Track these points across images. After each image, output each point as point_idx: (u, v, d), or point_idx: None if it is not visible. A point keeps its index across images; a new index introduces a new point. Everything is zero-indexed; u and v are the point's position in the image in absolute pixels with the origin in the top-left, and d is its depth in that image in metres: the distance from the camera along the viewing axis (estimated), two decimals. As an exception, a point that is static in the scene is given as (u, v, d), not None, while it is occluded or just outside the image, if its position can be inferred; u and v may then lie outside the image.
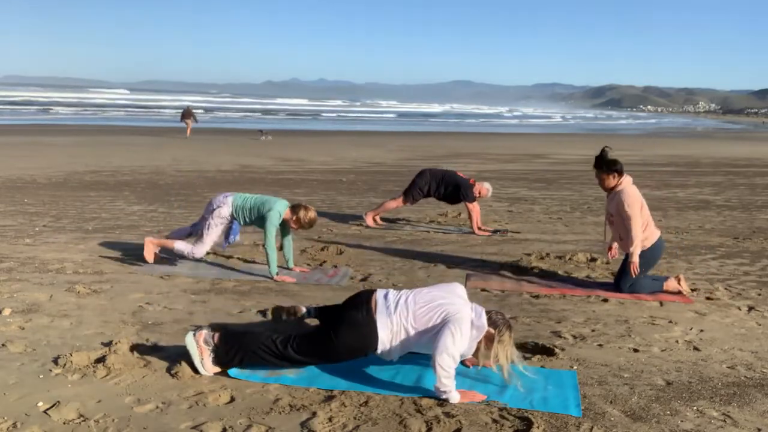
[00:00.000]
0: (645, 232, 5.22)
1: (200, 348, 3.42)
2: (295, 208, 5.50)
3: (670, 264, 6.26)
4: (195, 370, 3.39)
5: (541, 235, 7.71)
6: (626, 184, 5.26)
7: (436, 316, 3.31)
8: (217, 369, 3.42)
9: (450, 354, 3.18)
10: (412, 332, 3.33)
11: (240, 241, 6.31)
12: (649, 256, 5.25)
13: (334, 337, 3.35)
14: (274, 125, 40.55)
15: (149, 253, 5.58)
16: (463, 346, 3.28)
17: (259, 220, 5.48)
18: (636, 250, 5.12)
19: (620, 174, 5.27)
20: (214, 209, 5.53)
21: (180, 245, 5.57)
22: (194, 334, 3.46)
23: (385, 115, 70.84)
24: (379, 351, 3.37)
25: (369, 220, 8.01)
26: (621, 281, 5.23)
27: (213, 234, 5.55)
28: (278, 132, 33.14)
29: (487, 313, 3.40)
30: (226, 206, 5.53)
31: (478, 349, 3.39)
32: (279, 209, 5.45)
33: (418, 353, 3.74)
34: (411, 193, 7.98)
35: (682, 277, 5.30)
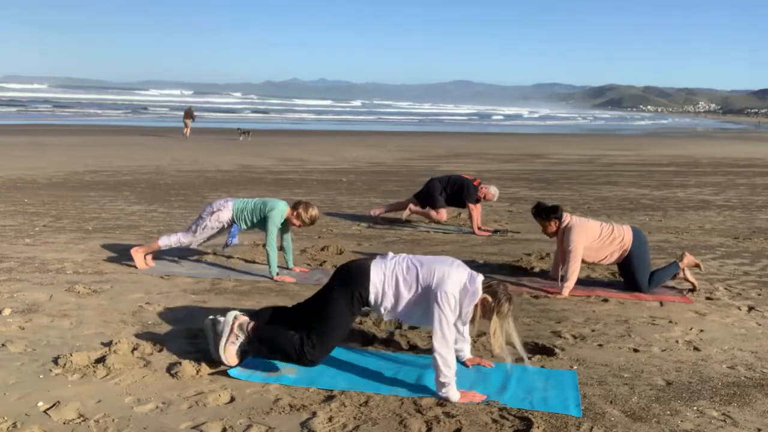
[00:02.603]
0: (611, 246, 5.25)
1: (233, 332, 3.46)
2: (295, 206, 5.48)
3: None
4: (215, 351, 3.45)
5: (541, 235, 7.67)
6: (573, 223, 5.32)
7: (425, 273, 3.34)
8: (235, 360, 3.46)
9: (445, 337, 3.18)
10: (401, 283, 3.37)
11: (240, 241, 6.29)
12: (636, 251, 5.24)
13: (331, 286, 3.46)
14: (308, 126, 40.55)
15: (140, 263, 5.54)
16: (455, 315, 3.27)
17: (261, 222, 5.45)
18: (570, 285, 5.14)
19: (559, 219, 5.38)
20: (213, 211, 5.48)
21: (164, 240, 5.52)
22: (235, 316, 3.51)
23: (456, 117, 70.88)
24: (371, 295, 3.39)
25: (376, 212, 8.20)
26: (640, 285, 5.21)
27: (205, 232, 5.49)
28: (278, 132, 33.16)
29: (488, 282, 3.35)
30: (226, 210, 5.47)
31: (474, 316, 3.34)
32: (281, 209, 5.44)
33: (419, 353, 3.74)
34: (433, 200, 8.01)
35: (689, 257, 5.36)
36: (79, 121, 37.12)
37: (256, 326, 3.52)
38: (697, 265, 5.32)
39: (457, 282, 3.28)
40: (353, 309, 3.44)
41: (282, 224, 5.53)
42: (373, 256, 3.58)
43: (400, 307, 3.40)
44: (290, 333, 3.47)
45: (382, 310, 3.44)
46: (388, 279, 3.39)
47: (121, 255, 6.02)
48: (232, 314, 3.52)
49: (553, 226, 5.42)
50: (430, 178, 8.33)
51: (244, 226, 5.51)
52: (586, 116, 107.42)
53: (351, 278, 3.44)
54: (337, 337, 3.43)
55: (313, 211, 5.48)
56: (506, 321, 3.30)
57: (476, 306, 3.30)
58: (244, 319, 3.53)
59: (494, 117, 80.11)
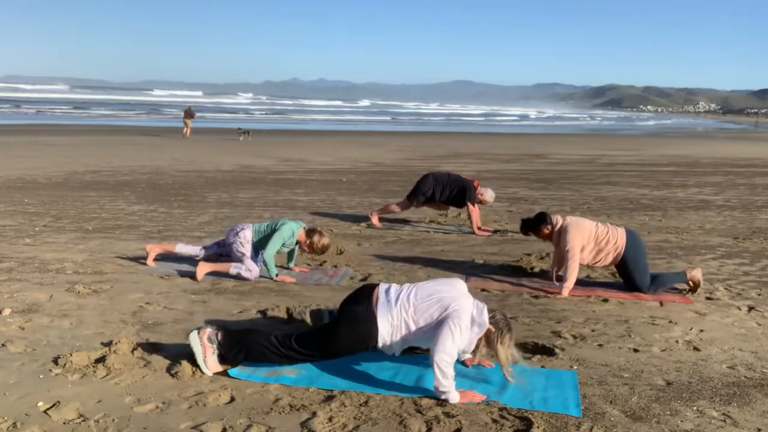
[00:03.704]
0: (606, 247, 5.24)
1: (204, 346, 3.44)
2: (310, 232, 5.52)
3: (670, 264, 6.26)
4: (198, 368, 3.40)
5: (541, 235, 7.71)
6: (568, 223, 5.30)
7: (436, 310, 3.32)
8: (220, 368, 3.43)
9: (448, 353, 3.18)
10: (413, 326, 3.35)
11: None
12: (630, 253, 5.22)
13: (335, 331, 3.40)
14: (311, 126, 40.54)
15: (200, 275, 5.36)
16: (462, 343, 3.30)
17: (271, 235, 5.46)
18: (569, 285, 5.13)
19: (549, 223, 5.37)
20: (237, 232, 5.53)
21: (235, 269, 5.39)
22: (198, 332, 3.49)
23: (467, 118, 71.05)
24: (379, 345, 3.39)
25: (375, 220, 8.02)
26: (639, 286, 5.20)
27: (248, 252, 5.48)
28: (279, 132, 33.15)
29: (490, 311, 3.41)
30: (248, 229, 5.54)
31: (477, 346, 3.42)
32: (293, 226, 5.49)
33: (419, 353, 3.74)
34: (415, 198, 7.98)
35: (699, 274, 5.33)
36: (87, 121, 37.11)
37: (225, 333, 3.53)
38: (696, 285, 5.24)
39: (468, 312, 3.32)
40: (353, 350, 3.45)
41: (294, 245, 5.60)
42: (372, 291, 3.47)
43: (410, 344, 3.46)
44: (262, 332, 3.52)
45: (392, 352, 3.47)
46: (396, 328, 3.37)
47: (121, 255, 6.02)
48: (194, 332, 3.50)
49: (546, 230, 5.41)
50: (426, 173, 8.29)
51: (255, 239, 5.52)
52: (593, 116, 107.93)
53: (357, 327, 3.37)
54: (323, 354, 3.46)
55: (326, 241, 5.53)
56: (508, 350, 3.37)
57: (480, 338, 3.39)
58: (209, 330, 3.52)
59: (503, 117, 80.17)
